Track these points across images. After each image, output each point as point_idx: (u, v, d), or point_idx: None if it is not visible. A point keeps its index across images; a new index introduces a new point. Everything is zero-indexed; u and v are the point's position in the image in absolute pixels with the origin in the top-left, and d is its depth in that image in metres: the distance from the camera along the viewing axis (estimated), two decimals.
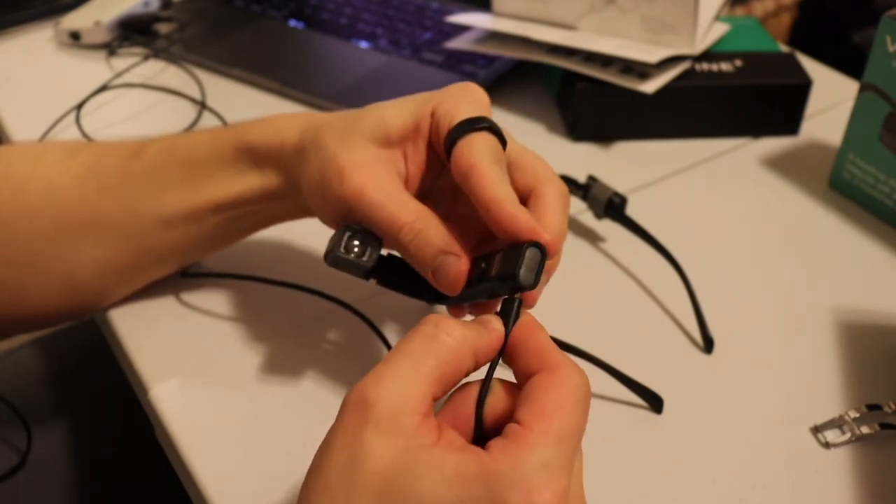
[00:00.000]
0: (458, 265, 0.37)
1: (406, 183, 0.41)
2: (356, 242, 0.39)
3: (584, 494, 0.32)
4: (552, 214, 0.39)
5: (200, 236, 0.48)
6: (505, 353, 0.34)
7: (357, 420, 0.30)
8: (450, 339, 0.32)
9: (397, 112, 0.41)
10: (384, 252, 0.41)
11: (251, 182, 0.45)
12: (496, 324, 0.34)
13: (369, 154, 0.40)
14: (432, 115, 0.41)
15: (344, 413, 0.31)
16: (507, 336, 0.34)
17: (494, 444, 0.30)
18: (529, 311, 0.37)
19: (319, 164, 0.41)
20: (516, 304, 0.35)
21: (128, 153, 0.48)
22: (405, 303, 0.51)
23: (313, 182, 0.41)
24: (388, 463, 0.29)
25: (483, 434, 0.32)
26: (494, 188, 0.37)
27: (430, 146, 0.41)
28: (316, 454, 0.31)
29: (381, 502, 0.29)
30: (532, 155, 0.42)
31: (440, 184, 0.43)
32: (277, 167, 0.45)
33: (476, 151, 0.38)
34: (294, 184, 0.44)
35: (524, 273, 0.35)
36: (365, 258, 0.39)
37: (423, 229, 0.38)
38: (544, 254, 0.36)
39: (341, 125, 0.42)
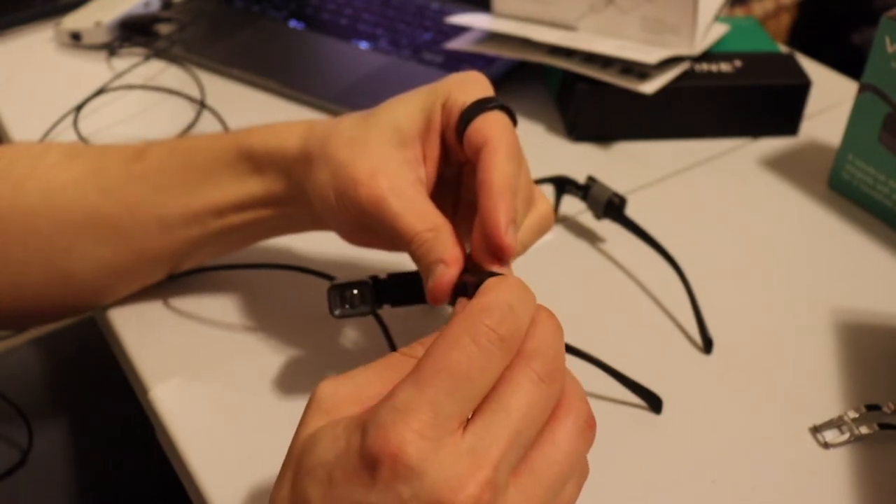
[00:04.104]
0: (444, 274, 0.37)
1: (426, 183, 0.42)
2: (348, 293, 0.42)
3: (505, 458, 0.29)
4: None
5: (200, 241, 0.48)
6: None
7: (308, 412, 0.31)
8: (414, 359, 0.32)
9: (408, 112, 0.41)
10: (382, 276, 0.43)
11: (252, 187, 0.45)
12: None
13: (386, 158, 0.40)
14: (443, 105, 0.41)
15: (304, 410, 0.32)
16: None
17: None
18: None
19: (330, 171, 0.41)
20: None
21: (129, 155, 0.48)
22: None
23: (325, 189, 0.41)
24: (311, 432, 0.30)
25: None
26: (499, 169, 0.37)
27: (442, 138, 0.42)
28: None
29: (297, 469, 0.30)
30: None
31: (446, 172, 0.43)
32: (279, 172, 0.45)
33: (493, 127, 0.39)
34: (300, 190, 0.44)
35: None
36: (363, 304, 0.42)
37: (430, 239, 0.38)
38: None
39: (351, 132, 0.41)
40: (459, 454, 0.28)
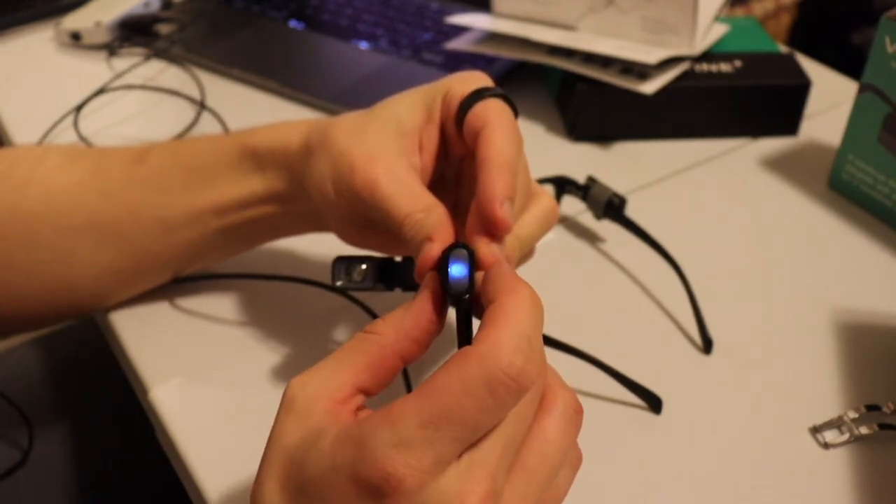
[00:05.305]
0: (430, 249, 0.36)
1: (421, 173, 0.41)
2: (354, 267, 0.42)
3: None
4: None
5: (202, 242, 0.48)
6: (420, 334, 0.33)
7: (281, 412, 0.32)
8: (376, 335, 0.32)
9: (409, 105, 0.42)
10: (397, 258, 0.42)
11: (254, 185, 0.45)
12: (420, 297, 0.33)
13: (384, 146, 0.40)
14: (443, 98, 0.41)
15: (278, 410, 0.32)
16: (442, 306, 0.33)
17: (372, 411, 0.30)
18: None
19: (329, 160, 0.41)
20: (449, 274, 0.33)
21: (130, 158, 0.48)
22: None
23: (323, 180, 0.41)
24: (294, 441, 0.30)
25: None
26: (497, 147, 0.37)
27: (442, 133, 0.42)
28: None
29: (284, 476, 0.30)
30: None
31: (446, 171, 0.43)
32: (281, 169, 0.45)
33: (492, 111, 0.38)
34: (299, 186, 0.44)
35: (453, 286, 0.33)
36: (366, 280, 0.42)
37: (422, 219, 0.37)
38: (471, 253, 0.34)
39: (351, 123, 0.42)
40: (459, 473, 0.28)
